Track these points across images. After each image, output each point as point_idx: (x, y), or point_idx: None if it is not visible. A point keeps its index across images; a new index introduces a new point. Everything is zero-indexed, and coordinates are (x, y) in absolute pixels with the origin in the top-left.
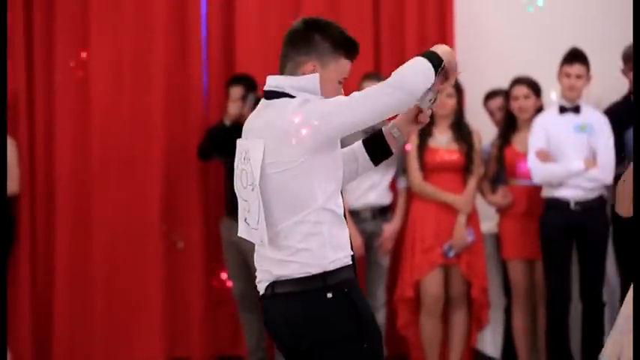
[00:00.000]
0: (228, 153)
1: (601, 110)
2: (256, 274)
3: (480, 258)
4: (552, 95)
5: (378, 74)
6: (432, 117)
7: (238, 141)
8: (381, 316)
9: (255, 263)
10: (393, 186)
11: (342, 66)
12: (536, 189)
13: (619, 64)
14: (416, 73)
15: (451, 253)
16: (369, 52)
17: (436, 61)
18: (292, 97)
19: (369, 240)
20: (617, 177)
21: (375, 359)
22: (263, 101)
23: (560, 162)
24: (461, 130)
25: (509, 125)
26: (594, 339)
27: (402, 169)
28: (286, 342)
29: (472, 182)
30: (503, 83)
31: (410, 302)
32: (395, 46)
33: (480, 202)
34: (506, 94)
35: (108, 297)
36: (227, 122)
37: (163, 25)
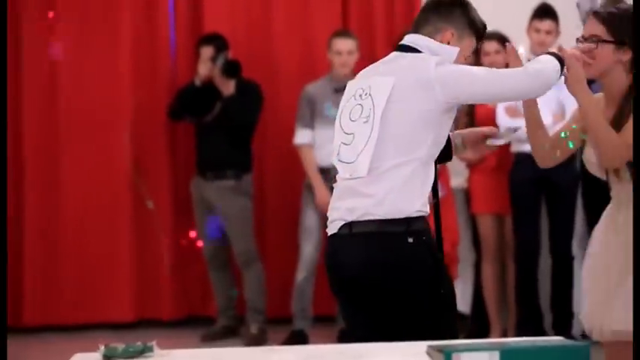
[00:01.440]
0: (199, 113)
1: None
2: (329, 213)
3: (451, 213)
4: (520, 50)
5: (348, 31)
6: None
7: (351, 82)
8: None
9: (335, 201)
10: None
11: (471, 44)
12: (506, 144)
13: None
14: (552, 70)
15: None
16: (337, 7)
17: (561, 69)
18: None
19: None
20: None
21: (450, 303)
22: (394, 53)
23: None
24: None
25: None
26: (563, 293)
27: None
28: (355, 285)
29: None
30: None
31: None
32: (363, 2)
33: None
34: (476, 50)
35: (77, 259)
36: (197, 83)
37: None
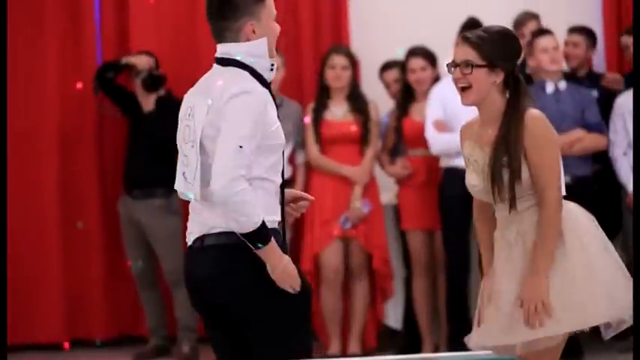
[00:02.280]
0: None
1: None
2: (188, 224)
3: (380, 229)
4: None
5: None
6: (327, 90)
7: (185, 97)
8: None
9: (191, 213)
10: (291, 160)
11: (270, 6)
12: (435, 159)
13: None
14: (253, 216)
15: (347, 225)
16: None
17: (256, 236)
18: (242, 63)
19: None
20: None
21: (303, 311)
22: (214, 67)
23: (457, 132)
24: (357, 102)
25: (407, 96)
26: None
27: (300, 143)
28: (209, 295)
29: (369, 153)
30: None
31: (311, 275)
32: (289, 18)
33: (380, 173)
34: (402, 66)
35: (7, 279)
36: (123, 61)
37: (56, 6)
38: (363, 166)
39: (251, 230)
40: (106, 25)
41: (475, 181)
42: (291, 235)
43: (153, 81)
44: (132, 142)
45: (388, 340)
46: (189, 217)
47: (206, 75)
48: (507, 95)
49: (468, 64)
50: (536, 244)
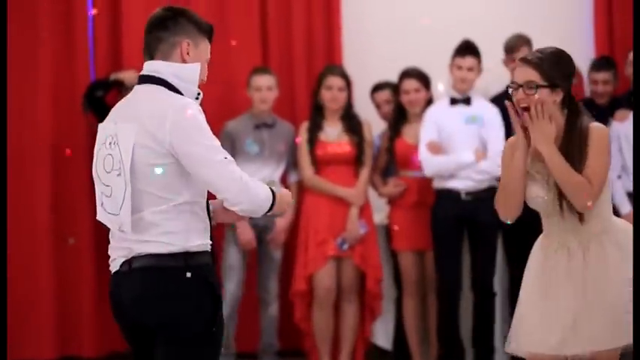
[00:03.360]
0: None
1: (488, 99)
2: (110, 252)
3: (374, 249)
4: (440, 87)
5: (267, 68)
6: (322, 110)
7: (102, 125)
8: (273, 309)
9: (112, 241)
10: (284, 180)
11: (206, 48)
12: (427, 180)
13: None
14: (261, 198)
15: (345, 246)
16: (257, 45)
17: (272, 206)
18: (170, 85)
19: (262, 233)
20: None
21: (218, 344)
22: (137, 88)
23: (451, 154)
24: (351, 122)
25: (399, 117)
26: (485, 329)
27: (293, 163)
28: (134, 318)
29: (364, 174)
30: (390, 75)
31: (305, 295)
32: (282, 38)
33: (371, 194)
34: (395, 87)
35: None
36: (112, 78)
37: (49, 23)
38: (358, 187)
39: (271, 203)
40: (99, 40)
41: (540, 193)
42: (283, 255)
43: None
44: None
45: None
46: (110, 244)
47: (125, 99)
48: (565, 114)
49: (532, 84)
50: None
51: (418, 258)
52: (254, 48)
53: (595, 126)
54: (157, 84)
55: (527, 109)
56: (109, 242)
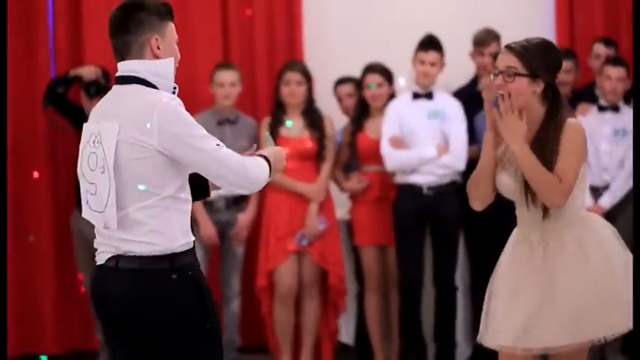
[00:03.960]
0: (57, 102)
1: (450, 93)
2: (96, 245)
3: (336, 245)
4: (401, 81)
5: (231, 63)
6: (283, 105)
7: (86, 125)
8: (235, 305)
9: (98, 237)
10: None
11: (172, 28)
12: (389, 175)
13: (467, 48)
14: (259, 174)
15: (304, 242)
16: (218, 41)
17: (269, 173)
18: (148, 82)
19: (224, 230)
20: (469, 161)
21: (216, 338)
22: (115, 87)
23: (413, 148)
24: (312, 117)
25: (362, 112)
26: (446, 323)
27: None
28: (120, 315)
29: (325, 169)
30: (351, 70)
31: (267, 291)
32: (243, 34)
33: (333, 189)
34: (358, 82)
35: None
36: (72, 74)
37: (9, 19)
38: (319, 182)
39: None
40: (60, 38)
41: (508, 180)
42: (245, 251)
43: (96, 89)
44: None
45: (340, 355)
46: (96, 238)
47: (105, 99)
48: (546, 106)
49: (511, 71)
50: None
51: (380, 253)
52: (215, 43)
53: (572, 122)
54: (135, 83)
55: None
56: (70, 241)
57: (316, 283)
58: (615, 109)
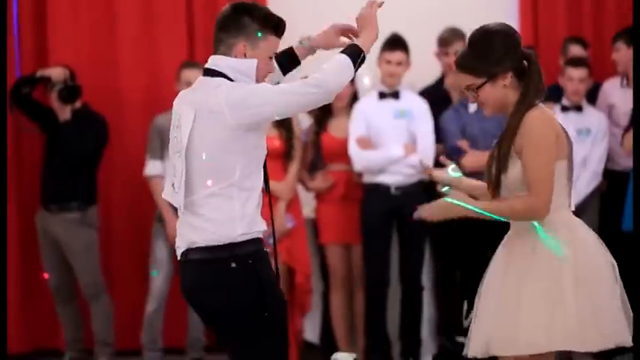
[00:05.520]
0: (22, 103)
1: (415, 93)
2: (176, 240)
3: (303, 244)
4: (366, 81)
5: (197, 63)
6: None
7: (173, 108)
8: None
9: (177, 228)
10: None
11: (272, 43)
12: (353, 174)
13: (433, 47)
14: (339, 74)
15: (271, 241)
16: (183, 39)
17: (356, 56)
18: (228, 77)
19: None
20: (437, 162)
21: (277, 327)
22: (200, 78)
23: (380, 148)
24: None
25: (325, 111)
26: (412, 322)
27: None
28: (197, 306)
29: (293, 168)
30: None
31: None
32: (209, 32)
33: (300, 188)
34: None
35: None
36: (38, 74)
37: None
38: (287, 181)
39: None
40: (25, 39)
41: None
42: None
43: (69, 92)
44: (48, 155)
45: (306, 354)
46: (178, 229)
47: (191, 88)
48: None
49: (471, 87)
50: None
51: (345, 252)
52: (181, 42)
53: (530, 117)
54: (217, 76)
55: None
56: (35, 240)
57: (283, 281)
58: (578, 108)
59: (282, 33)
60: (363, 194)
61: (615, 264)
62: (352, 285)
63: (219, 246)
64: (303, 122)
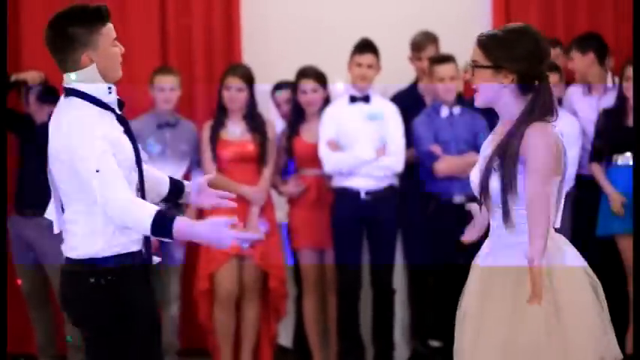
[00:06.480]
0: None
1: (387, 98)
2: None
3: (277, 249)
4: (339, 86)
5: (171, 68)
6: (225, 109)
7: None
8: (174, 309)
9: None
10: (186, 179)
11: (106, 32)
12: (326, 178)
13: (405, 52)
14: (130, 221)
15: (245, 245)
16: (156, 44)
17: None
18: (79, 92)
19: None
20: (408, 164)
21: (137, 346)
22: (61, 99)
23: (350, 151)
24: (254, 121)
25: (297, 116)
26: (384, 325)
27: (196, 162)
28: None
29: (266, 172)
30: (290, 74)
31: (208, 294)
32: (181, 37)
33: (273, 192)
34: (293, 86)
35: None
36: (12, 78)
37: None
38: (260, 185)
39: (149, 230)
40: None
41: (473, 177)
42: (185, 254)
43: (48, 92)
44: (24, 159)
45: (279, 358)
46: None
47: (57, 105)
48: (525, 103)
49: (474, 64)
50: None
51: (318, 256)
52: (154, 46)
53: (535, 127)
54: (71, 95)
55: (476, 90)
56: (7, 245)
57: (257, 286)
58: None
59: (109, 16)
60: (334, 199)
61: (597, 281)
62: (325, 289)
63: (80, 260)
64: (278, 127)
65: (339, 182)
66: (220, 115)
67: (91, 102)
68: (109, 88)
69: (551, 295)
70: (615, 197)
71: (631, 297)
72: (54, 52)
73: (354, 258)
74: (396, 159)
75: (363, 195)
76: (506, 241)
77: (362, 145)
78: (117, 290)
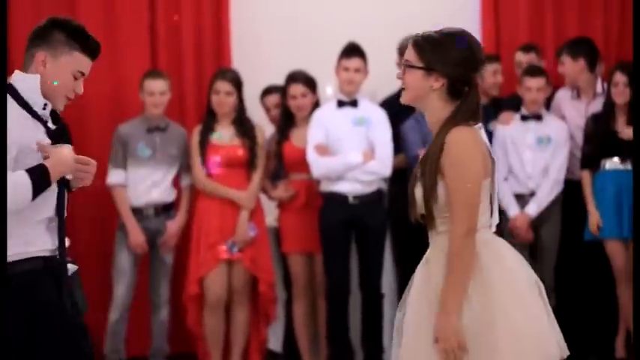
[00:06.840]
0: None
1: (376, 103)
2: None
3: (266, 253)
4: (328, 90)
5: (161, 72)
6: (214, 113)
7: None
8: (164, 313)
9: None
10: (176, 183)
11: (77, 60)
12: (315, 183)
13: (393, 57)
14: (14, 193)
15: (234, 249)
16: (146, 47)
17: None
18: (16, 92)
19: (153, 237)
20: (396, 170)
21: (50, 353)
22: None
23: (338, 156)
24: (244, 126)
25: (287, 121)
26: (373, 329)
27: (186, 166)
28: None
29: (256, 177)
30: (279, 78)
31: (197, 299)
32: (171, 40)
33: (262, 197)
34: (282, 91)
35: None
36: None
37: None
38: (250, 190)
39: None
40: None
41: (419, 195)
42: (175, 258)
43: None
44: None
45: None
46: None
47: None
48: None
49: (405, 63)
50: (446, 279)
51: (307, 261)
52: (143, 50)
53: (453, 134)
54: (11, 93)
55: (403, 89)
56: None
57: (246, 290)
58: (538, 117)
59: (94, 53)
60: (322, 203)
61: (539, 281)
62: (315, 294)
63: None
64: (267, 131)
65: (327, 187)
66: (209, 119)
67: (21, 106)
68: (45, 104)
69: (486, 289)
70: (593, 220)
71: (620, 301)
72: (29, 42)
73: (342, 262)
74: (383, 163)
75: (350, 199)
76: (442, 245)
77: (350, 149)
78: (25, 296)
